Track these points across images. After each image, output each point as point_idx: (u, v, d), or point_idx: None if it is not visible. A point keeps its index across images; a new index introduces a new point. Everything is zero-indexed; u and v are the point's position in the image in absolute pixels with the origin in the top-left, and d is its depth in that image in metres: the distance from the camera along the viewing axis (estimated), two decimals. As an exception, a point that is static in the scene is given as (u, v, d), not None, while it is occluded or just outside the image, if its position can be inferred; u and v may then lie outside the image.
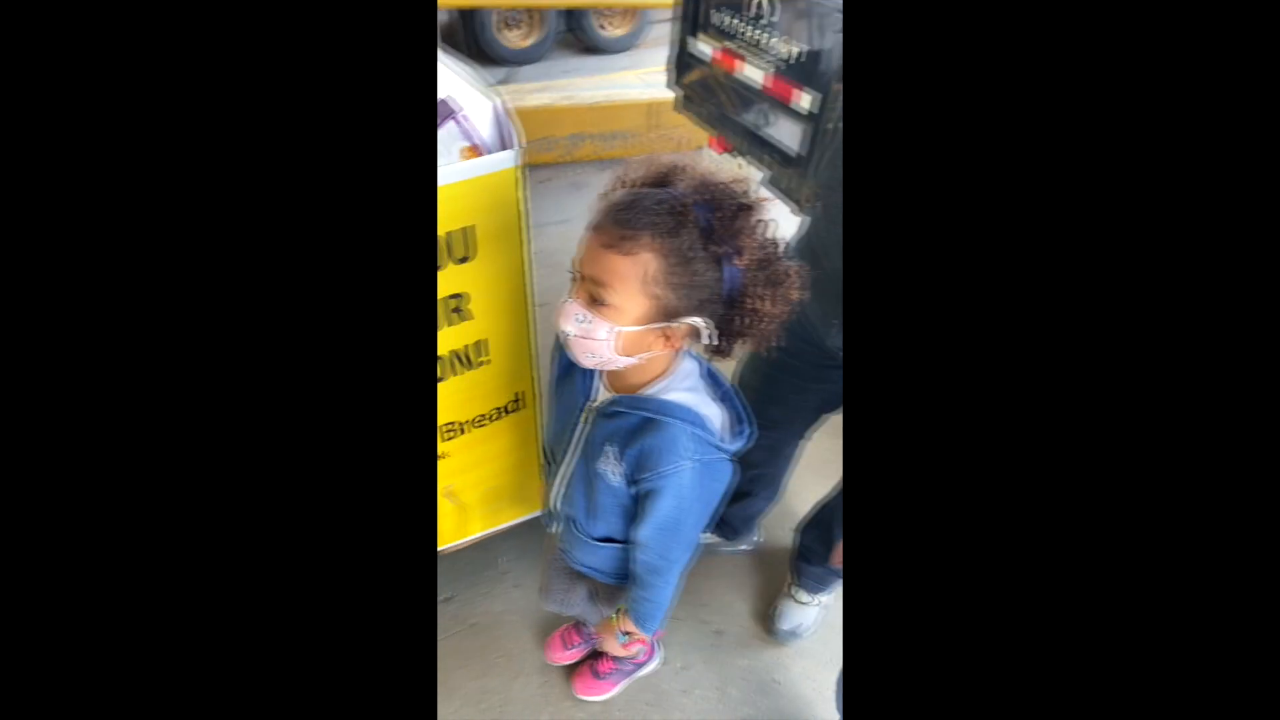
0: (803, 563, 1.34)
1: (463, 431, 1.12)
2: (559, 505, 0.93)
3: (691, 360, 0.79)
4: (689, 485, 0.75)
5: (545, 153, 2.96)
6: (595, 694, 1.25)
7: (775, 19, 1.66)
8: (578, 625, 1.31)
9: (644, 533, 0.80)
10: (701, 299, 0.67)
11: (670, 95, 2.22)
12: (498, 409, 1.13)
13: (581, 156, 3.08)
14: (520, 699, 1.25)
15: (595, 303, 0.67)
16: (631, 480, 0.78)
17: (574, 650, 1.31)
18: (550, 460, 0.94)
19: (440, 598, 1.40)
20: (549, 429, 0.95)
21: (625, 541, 0.88)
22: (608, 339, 0.68)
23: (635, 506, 0.82)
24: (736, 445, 0.77)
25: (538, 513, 1.37)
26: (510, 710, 1.24)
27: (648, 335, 0.70)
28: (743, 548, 1.51)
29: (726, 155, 2.07)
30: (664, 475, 0.74)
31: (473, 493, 1.25)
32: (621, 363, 0.72)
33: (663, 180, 0.70)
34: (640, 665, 1.27)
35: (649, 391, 0.76)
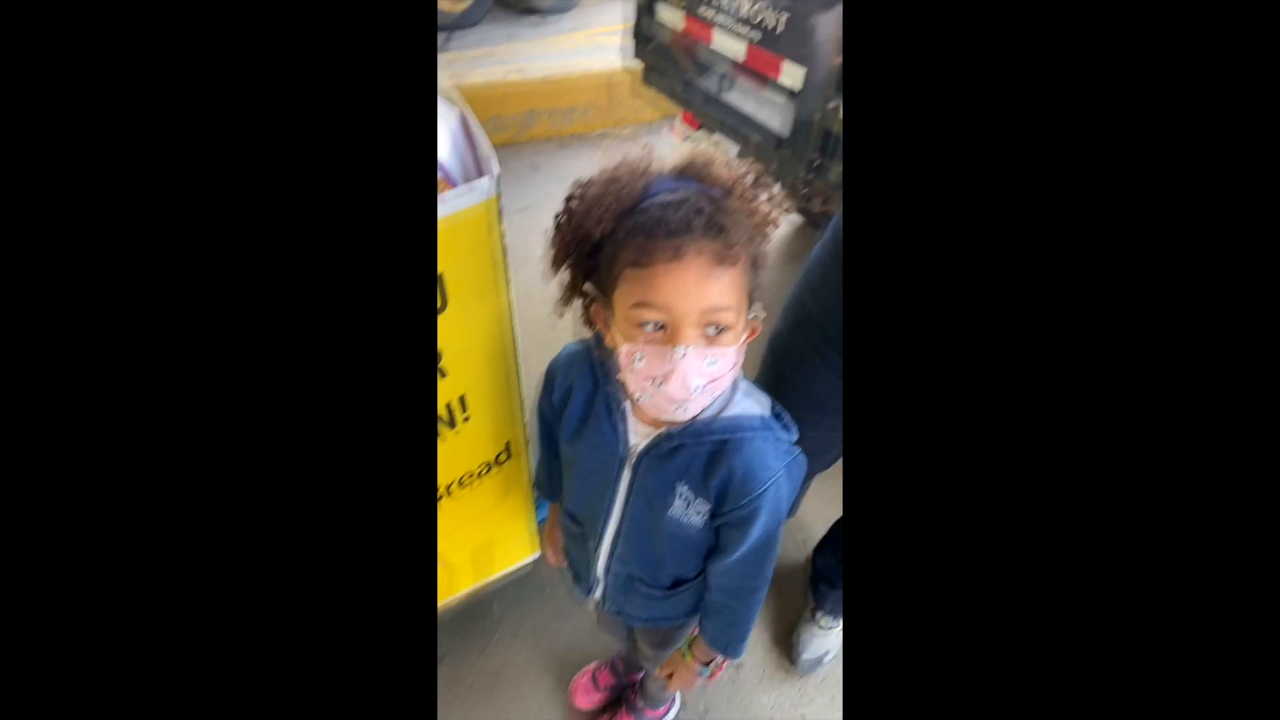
0: (824, 585, 1.26)
1: (448, 494, 0.97)
2: (609, 568, 0.81)
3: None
4: (784, 496, 0.67)
5: (497, 133, 2.74)
6: (614, 752, 1.15)
7: (751, -18, 1.49)
8: (612, 665, 1.21)
9: (731, 560, 0.71)
10: (760, 277, 0.61)
11: (627, 64, 2.03)
12: (485, 464, 0.99)
13: (536, 135, 2.85)
14: (532, 766, 1.15)
15: (718, 334, 0.57)
16: (717, 514, 0.68)
17: (603, 693, 1.20)
18: (578, 524, 0.81)
19: (432, 658, 1.27)
20: (571, 495, 0.81)
21: (698, 575, 0.78)
22: (735, 365, 0.61)
23: (715, 539, 0.73)
24: (796, 433, 0.69)
25: (533, 556, 1.24)
26: (523, 782, 1.13)
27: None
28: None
29: (698, 132, 1.92)
30: (760, 496, 0.65)
31: (461, 552, 1.11)
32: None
33: (685, 174, 0.60)
34: (661, 717, 1.18)
35: (711, 411, 0.65)
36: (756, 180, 0.61)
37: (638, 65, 2.00)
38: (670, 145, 2.06)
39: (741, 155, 1.68)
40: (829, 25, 1.31)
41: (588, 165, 0.62)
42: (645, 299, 0.55)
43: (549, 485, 0.89)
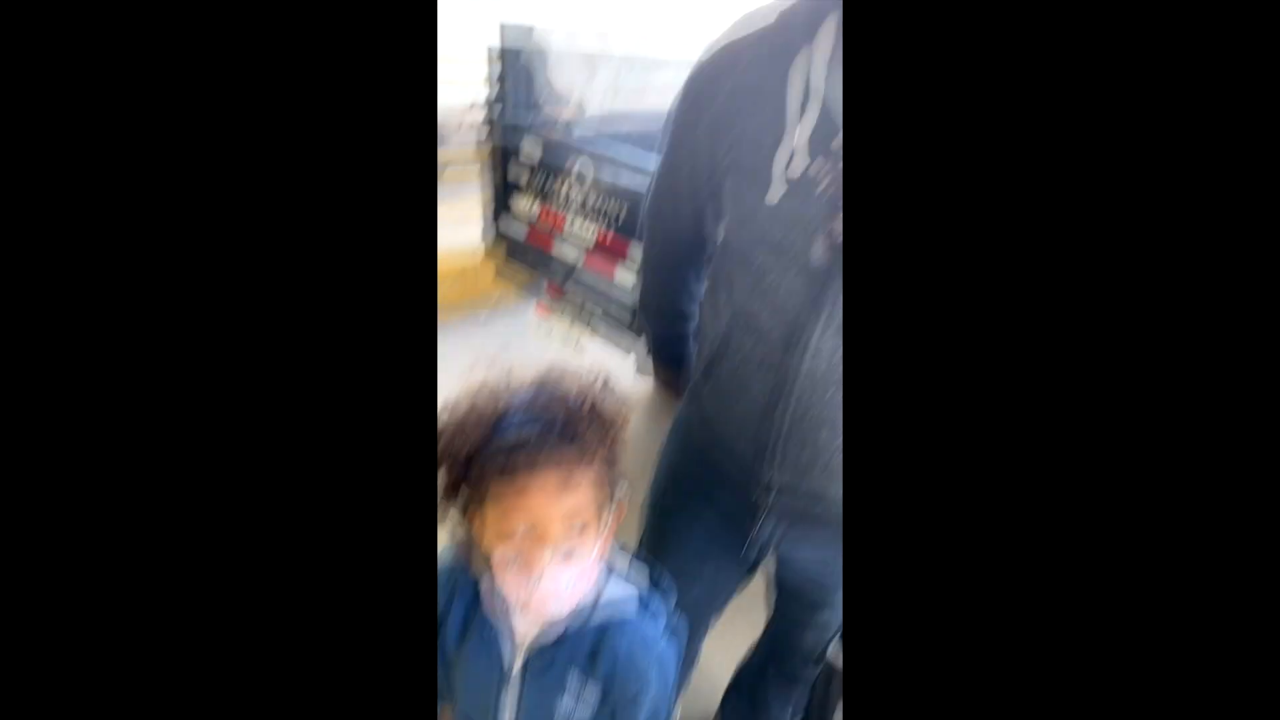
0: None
1: None
2: None
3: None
4: (657, 680, 0.71)
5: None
6: None
7: (591, 185, 1.73)
8: None
9: None
10: (616, 469, 0.68)
11: (477, 247, 2.19)
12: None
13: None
14: None
15: (582, 529, 0.63)
16: (604, 702, 0.71)
17: None
18: None
19: None
20: (462, 702, 0.80)
21: None
22: (597, 561, 0.66)
23: None
24: (666, 611, 0.75)
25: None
26: None
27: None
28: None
29: (551, 317, 2.10)
30: (638, 689, 0.69)
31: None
32: None
33: (532, 406, 0.67)
34: None
35: (586, 603, 0.70)
36: (604, 386, 0.69)
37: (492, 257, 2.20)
38: (528, 325, 2.22)
39: (596, 334, 1.88)
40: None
41: (445, 356, 0.63)
42: (508, 516, 0.62)
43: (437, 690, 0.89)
